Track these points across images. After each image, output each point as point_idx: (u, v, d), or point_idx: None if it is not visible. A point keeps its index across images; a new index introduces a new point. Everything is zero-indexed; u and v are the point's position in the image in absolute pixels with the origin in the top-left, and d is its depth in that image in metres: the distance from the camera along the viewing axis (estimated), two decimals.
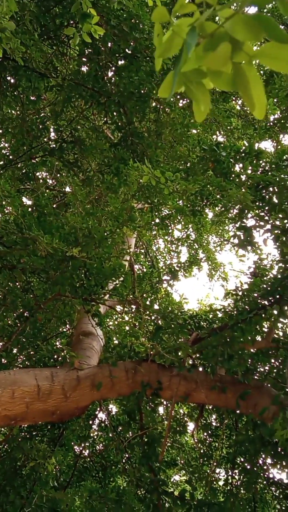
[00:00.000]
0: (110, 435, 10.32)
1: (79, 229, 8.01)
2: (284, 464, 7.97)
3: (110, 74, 10.74)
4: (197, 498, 8.54)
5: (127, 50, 9.97)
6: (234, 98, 12.92)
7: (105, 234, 8.35)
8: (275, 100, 9.90)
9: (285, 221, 7.10)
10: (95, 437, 10.97)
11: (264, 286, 7.67)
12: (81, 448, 10.59)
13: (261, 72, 13.05)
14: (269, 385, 7.52)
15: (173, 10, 1.52)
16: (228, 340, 7.30)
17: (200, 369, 7.66)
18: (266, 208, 7.12)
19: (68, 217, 8.30)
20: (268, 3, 1.39)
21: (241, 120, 13.27)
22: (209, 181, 7.56)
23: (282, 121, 10.98)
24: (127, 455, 9.82)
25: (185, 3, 1.51)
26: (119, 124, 11.21)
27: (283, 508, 8.72)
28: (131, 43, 9.55)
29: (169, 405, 9.16)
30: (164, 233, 16.47)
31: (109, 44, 9.87)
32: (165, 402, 9.28)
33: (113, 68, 10.54)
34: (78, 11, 6.59)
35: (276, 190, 6.83)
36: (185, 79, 1.55)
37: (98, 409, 10.14)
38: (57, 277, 7.88)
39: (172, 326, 7.72)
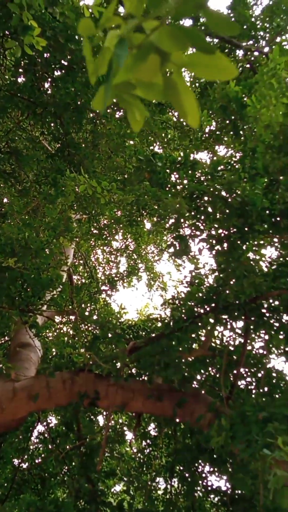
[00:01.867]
0: (49, 446, 10.25)
1: (16, 239, 7.96)
2: (221, 470, 8.06)
3: (46, 85, 10.72)
4: (136, 508, 8.56)
5: (63, 61, 9.98)
6: (170, 110, 13.06)
7: (42, 244, 8.31)
8: (210, 112, 10.04)
9: (220, 230, 7.20)
10: (34, 449, 10.87)
11: (200, 295, 7.75)
12: (19, 461, 10.48)
13: (196, 84, 13.26)
14: (205, 392, 7.59)
15: (100, 23, 1.54)
16: (164, 349, 7.35)
17: (137, 378, 7.68)
18: (201, 217, 7.20)
19: (5, 228, 8.23)
20: (190, 15, 1.42)
21: (177, 131, 13.42)
22: (145, 191, 7.61)
23: (217, 132, 11.14)
24: (66, 467, 9.77)
25: (111, 15, 1.53)
26: (56, 135, 11.21)
27: None
28: (67, 54, 9.56)
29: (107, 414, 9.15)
30: (102, 243, 16.49)
31: (45, 55, 9.86)
32: (104, 412, 9.26)
33: (49, 79, 10.54)
34: (18, 23, 6.58)
35: (211, 199, 6.92)
36: (117, 91, 1.58)
37: (37, 420, 10.06)
38: None
39: (109, 335, 7.73)
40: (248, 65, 12.19)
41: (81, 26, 1.61)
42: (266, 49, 11.52)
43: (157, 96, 1.58)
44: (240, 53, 12.61)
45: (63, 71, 10.09)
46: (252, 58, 11.94)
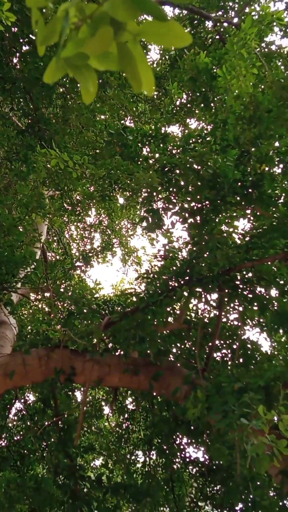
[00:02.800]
0: (28, 423, 10.25)
1: None
2: (198, 441, 8.14)
3: (14, 60, 10.57)
4: (115, 481, 8.62)
5: (31, 35, 9.84)
6: None
7: (15, 222, 8.25)
8: (180, 84, 9.98)
9: (192, 203, 7.19)
10: (12, 426, 10.87)
11: (174, 268, 7.76)
12: None
13: (166, 56, 13.17)
14: (180, 365, 7.62)
15: None
16: (139, 323, 7.36)
17: (113, 353, 7.69)
18: (174, 190, 7.19)
19: None
20: None
21: (148, 105, 13.35)
22: (116, 165, 7.57)
23: (188, 105, 11.08)
24: (44, 443, 9.78)
25: None
26: (26, 110, 11.08)
27: (200, 485, 8.89)
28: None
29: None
30: (75, 219, 16.42)
31: (13, 30, 9.71)
32: (81, 387, 9.28)
33: (18, 54, 10.39)
34: None
35: (182, 172, 6.90)
36: (69, 63, 1.55)
37: (15, 398, 10.04)
38: None
39: (84, 311, 7.72)
40: (217, 36, 12.12)
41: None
42: (236, 20, 11.43)
43: (112, 65, 1.55)
44: (209, 24, 12.52)
45: (31, 45, 9.95)
46: (222, 29, 11.85)
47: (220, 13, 12.49)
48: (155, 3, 1.41)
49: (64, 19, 1.45)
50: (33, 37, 9.79)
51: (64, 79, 10.76)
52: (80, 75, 1.62)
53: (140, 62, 1.52)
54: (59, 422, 8.08)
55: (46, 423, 8.59)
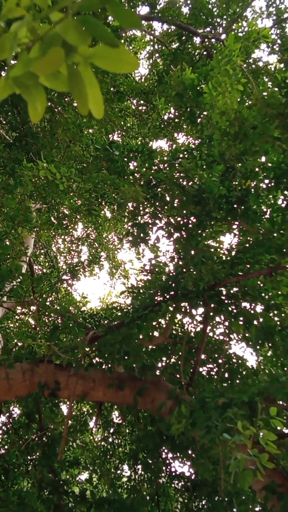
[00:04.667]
0: (13, 437, 10.20)
1: None
2: (183, 456, 8.13)
3: (2, 73, 10.59)
4: (100, 496, 8.58)
5: None
6: (128, 98, 13.03)
7: (1, 235, 8.25)
8: (167, 99, 10.02)
9: (178, 218, 7.22)
10: None
11: (160, 283, 7.77)
12: None
13: (154, 71, 13.24)
14: (165, 380, 7.62)
15: (2, 14, 1.52)
16: (125, 337, 7.36)
17: (98, 367, 7.68)
18: (159, 205, 7.21)
19: None
20: (97, 9, 1.42)
21: (136, 119, 13.40)
22: (102, 179, 7.59)
23: (176, 120, 11.13)
24: (29, 457, 9.74)
25: (14, 6, 1.51)
26: (14, 124, 11.10)
27: (185, 500, 8.86)
28: None
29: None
30: (62, 232, 16.42)
31: None
32: (66, 401, 9.25)
33: (5, 67, 10.41)
34: None
35: (168, 187, 6.93)
36: (18, 82, 1.56)
37: None
38: None
39: (70, 325, 7.71)
40: (205, 52, 12.21)
41: None
42: (223, 36, 11.53)
43: (61, 86, 1.57)
44: (197, 40, 12.60)
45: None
46: (210, 45, 11.94)
47: (208, 29, 12.58)
48: (106, 29, 1.44)
49: (13, 38, 1.47)
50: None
51: (52, 93, 10.80)
52: (29, 94, 1.63)
53: (90, 84, 1.55)
54: (44, 437, 8.05)
55: (31, 438, 8.55)
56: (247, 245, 7.33)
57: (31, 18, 1.48)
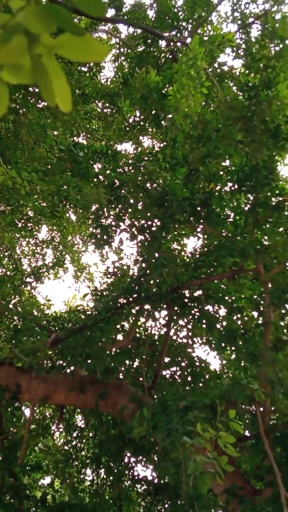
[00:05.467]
0: None
1: None
2: (146, 460, 8.10)
3: None
4: (62, 501, 8.51)
5: None
6: (93, 100, 12.97)
7: None
8: (132, 101, 9.99)
9: (142, 220, 7.19)
10: None
11: (123, 285, 7.74)
12: None
13: (119, 74, 13.22)
14: (128, 383, 7.59)
15: None
16: (87, 340, 7.31)
17: (61, 370, 7.62)
18: (123, 207, 7.18)
19: None
20: None
21: (101, 122, 13.35)
22: (66, 181, 7.55)
23: (141, 123, 11.12)
24: None
25: None
26: None
27: (148, 504, 8.84)
28: None
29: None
30: (26, 234, 16.28)
31: None
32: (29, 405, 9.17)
33: None
34: None
35: (131, 189, 6.90)
36: None
37: None
38: None
39: (31, 327, 7.64)
40: (170, 56, 12.20)
41: None
42: (189, 40, 11.53)
43: (25, 78, 1.51)
44: (162, 43, 12.60)
45: None
46: (175, 49, 11.93)
47: (173, 32, 12.58)
48: (71, 16, 1.39)
49: None
50: None
51: (16, 94, 10.70)
52: None
53: (55, 76, 1.49)
54: (5, 441, 7.95)
55: None
56: (211, 248, 7.34)
57: None
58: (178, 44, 11.58)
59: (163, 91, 7.95)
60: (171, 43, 11.69)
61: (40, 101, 11.16)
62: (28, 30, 1.38)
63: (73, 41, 1.41)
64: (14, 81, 1.53)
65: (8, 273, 16.08)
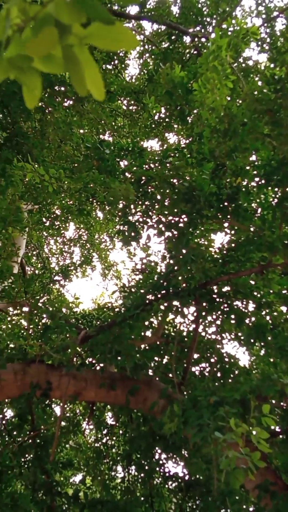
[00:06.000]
0: (6, 438, 10.15)
1: None
2: (176, 456, 8.09)
3: None
4: (94, 497, 8.53)
5: None
6: (119, 98, 13.01)
7: None
8: (158, 98, 9.98)
9: (169, 216, 7.18)
10: None
11: (151, 282, 7.74)
12: None
13: (144, 71, 13.22)
14: (157, 379, 7.59)
15: None
16: (116, 337, 7.32)
17: (90, 367, 7.64)
18: (150, 203, 7.18)
19: None
20: None
21: (127, 119, 13.38)
22: (92, 178, 7.56)
23: (166, 120, 11.11)
24: (22, 459, 9.68)
25: None
26: (4, 124, 11.05)
27: (179, 501, 8.83)
28: None
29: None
30: (54, 233, 16.37)
31: None
32: (59, 402, 9.20)
33: None
34: None
35: (158, 185, 6.89)
36: (13, 65, 1.52)
37: None
38: None
39: (61, 325, 7.67)
40: (195, 51, 12.18)
41: None
42: (213, 35, 11.50)
43: (57, 68, 1.52)
44: (187, 39, 12.59)
45: None
46: (199, 44, 11.91)
47: (198, 28, 12.57)
48: (101, 5, 1.39)
49: (6, 19, 1.42)
50: None
51: (43, 93, 10.76)
52: (24, 77, 1.58)
53: (87, 66, 1.49)
54: (36, 438, 8.00)
55: (23, 439, 8.50)
56: (238, 242, 7.30)
57: None
58: (203, 39, 11.55)
59: (188, 86, 7.93)
60: (196, 39, 11.67)
61: (66, 100, 11.21)
62: (59, 21, 1.38)
63: (104, 30, 1.41)
64: (47, 70, 1.53)
65: (37, 271, 16.19)
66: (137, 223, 7.24)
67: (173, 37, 12.76)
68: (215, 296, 7.39)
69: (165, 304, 7.47)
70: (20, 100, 10.17)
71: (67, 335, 7.71)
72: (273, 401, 6.58)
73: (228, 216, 6.85)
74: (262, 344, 7.68)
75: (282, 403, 6.70)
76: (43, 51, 1.42)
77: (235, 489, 6.39)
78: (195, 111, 7.93)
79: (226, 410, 5.39)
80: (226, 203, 6.74)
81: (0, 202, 9.06)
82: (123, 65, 13.54)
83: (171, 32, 12.72)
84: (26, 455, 9.18)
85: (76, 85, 1.51)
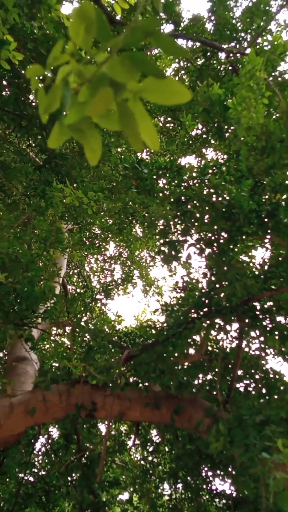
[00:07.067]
0: (52, 458, 10.21)
1: (6, 254, 7.94)
2: (223, 474, 8.04)
3: (30, 97, 10.71)
4: None
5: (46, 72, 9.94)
6: (155, 116, 13.09)
7: (33, 257, 8.29)
8: (195, 115, 10.03)
9: (209, 234, 7.18)
10: (37, 462, 10.82)
11: (193, 299, 7.74)
12: (23, 475, 10.44)
13: None
14: (202, 397, 7.56)
15: (47, 63, 1.52)
16: (160, 355, 7.33)
17: (135, 386, 7.65)
18: (189, 222, 7.19)
19: None
20: (139, 44, 1.41)
21: (164, 137, 13.45)
22: (131, 198, 7.61)
23: (204, 136, 11.15)
24: (70, 478, 9.72)
25: (58, 54, 1.50)
26: (43, 146, 11.21)
27: None
28: None
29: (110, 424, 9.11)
30: (95, 251, 16.49)
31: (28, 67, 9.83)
32: (105, 421, 9.23)
33: (33, 91, 10.53)
34: None
35: (197, 204, 6.91)
36: (73, 128, 1.55)
37: (38, 434, 10.02)
38: None
39: (103, 345, 7.70)
40: (230, 67, 12.21)
41: (29, 71, 1.60)
42: (248, 51, 11.52)
43: (113, 125, 1.55)
44: (222, 55, 12.63)
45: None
46: (235, 60, 11.94)
47: (232, 44, 12.61)
48: (152, 62, 1.43)
49: (65, 88, 1.47)
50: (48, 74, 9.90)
51: None
52: (84, 138, 1.62)
53: (142, 119, 1.52)
54: (83, 458, 8.03)
55: (70, 459, 8.54)
56: (280, 258, 7.27)
57: (76, 62, 1.48)
58: (238, 55, 11.58)
59: (225, 104, 7.95)
60: (231, 55, 11.70)
61: None
62: (114, 80, 1.42)
63: (156, 84, 1.46)
64: (102, 126, 1.58)
65: (78, 290, 16.29)
66: (176, 242, 7.26)
67: (208, 54, 12.82)
68: (257, 312, 7.35)
69: (208, 322, 7.46)
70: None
71: (110, 355, 7.75)
72: None
73: (268, 232, 6.83)
74: None
75: None
76: (101, 111, 1.45)
77: (285, 510, 6.32)
78: (232, 128, 7.95)
79: (272, 429, 5.36)
80: (266, 220, 6.72)
81: (40, 223, 9.16)
82: None
83: (206, 49, 12.79)
84: (73, 475, 9.22)
85: (131, 140, 1.54)
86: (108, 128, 1.58)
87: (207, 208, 6.87)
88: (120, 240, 15.05)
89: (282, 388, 8.07)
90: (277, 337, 7.47)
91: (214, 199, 6.89)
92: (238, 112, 6.30)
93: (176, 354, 7.53)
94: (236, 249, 7.19)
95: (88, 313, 13.10)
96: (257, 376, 8.20)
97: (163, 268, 18.63)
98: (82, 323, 8.81)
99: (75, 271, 17.86)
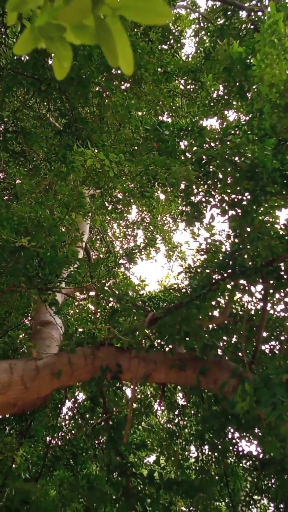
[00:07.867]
0: (79, 422, 10.31)
1: (28, 218, 7.93)
2: (250, 435, 8.06)
3: (49, 61, 10.61)
4: (169, 478, 8.58)
5: None
6: (176, 78, 12.92)
7: (55, 222, 8.27)
8: (216, 75, 9.87)
9: (232, 195, 7.11)
10: (64, 425, 10.94)
11: (216, 261, 7.69)
12: (50, 438, 10.57)
13: (200, 49, 13.08)
14: (227, 359, 7.55)
15: None
16: (184, 318, 7.31)
17: (159, 349, 7.66)
18: (212, 183, 7.12)
19: (17, 208, 8.18)
20: None
21: (185, 99, 13.29)
22: (153, 160, 7.54)
23: (225, 97, 10.98)
24: (96, 441, 9.82)
25: None
26: (63, 110, 11.13)
27: (254, 479, 8.81)
28: None
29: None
30: (117, 217, 16.44)
31: None
32: (130, 384, 9.28)
33: (52, 54, 10.42)
34: None
35: (220, 164, 6.82)
36: (44, 34, 1.51)
37: (64, 397, 10.11)
38: (10, 268, 7.80)
39: (128, 308, 7.70)
40: (252, 26, 11.99)
41: None
42: (269, 9, 11.28)
43: (89, 39, 1.51)
44: (243, 14, 12.40)
45: None
46: (256, 19, 11.71)
47: (253, 2, 12.36)
48: None
49: None
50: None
51: (100, 77, 10.78)
52: (54, 47, 1.58)
53: (119, 37, 1.48)
54: (109, 420, 8.08)
55: (96, 422, 8.60)
56: None
57: None
58: (259, 13, 11.35)
59: (247, 62, 7.81)
60: (252, 13, 11.47)
61: (123, 83, 11.19)
62: None
63: (138, 2, 1.39)
64: (78, 41, 1.53)
65: (101, 255, 16.31)
66: (199, 204, 7.20)
67: (228, 13, 12.59)
68: (282, 273, 7.29)
69: (232, 283, 7.42)
70: (77, 86, 10.20)
71: (135, 318, 7.75)
72: None
73: None
74: None
75: None
76: (75, 20, 1.41)
77: None
78: (254, 87, 7.82)
79: None
80: None
81: (62, 188, 9.12)
82: (179, 44, 13.44)
83: (226, 8, 12.56)
84: (100, 437, 9.31)
85: (108, 56, 1.50)
86: (82, 42, 1.54)
87: (229, 168, 6.78)
88: (143, 204, 14.99)
89: None
90: None
91: (237, 159, 6.80)
92: (261, 69, 6.18)
93: (200, 317, 7.51)
94: (260, 210, 7.12)
95: (111, 278, 13.12)
96: (282, 338, 8.18)
97: (186, 232, 18.55)
98: (106, 288, 8.80)
99: (98, 237, 17.88)
